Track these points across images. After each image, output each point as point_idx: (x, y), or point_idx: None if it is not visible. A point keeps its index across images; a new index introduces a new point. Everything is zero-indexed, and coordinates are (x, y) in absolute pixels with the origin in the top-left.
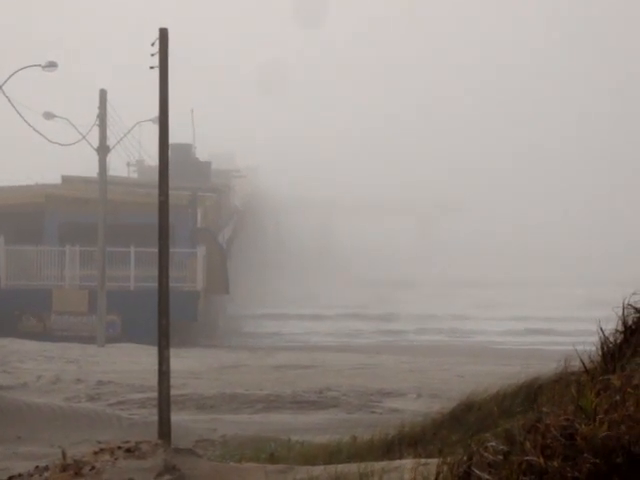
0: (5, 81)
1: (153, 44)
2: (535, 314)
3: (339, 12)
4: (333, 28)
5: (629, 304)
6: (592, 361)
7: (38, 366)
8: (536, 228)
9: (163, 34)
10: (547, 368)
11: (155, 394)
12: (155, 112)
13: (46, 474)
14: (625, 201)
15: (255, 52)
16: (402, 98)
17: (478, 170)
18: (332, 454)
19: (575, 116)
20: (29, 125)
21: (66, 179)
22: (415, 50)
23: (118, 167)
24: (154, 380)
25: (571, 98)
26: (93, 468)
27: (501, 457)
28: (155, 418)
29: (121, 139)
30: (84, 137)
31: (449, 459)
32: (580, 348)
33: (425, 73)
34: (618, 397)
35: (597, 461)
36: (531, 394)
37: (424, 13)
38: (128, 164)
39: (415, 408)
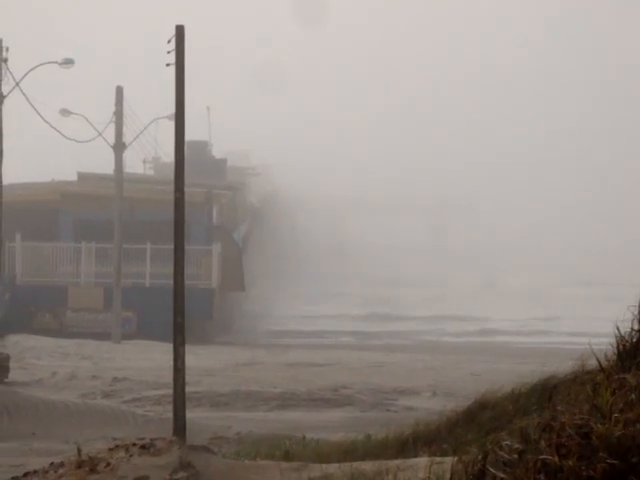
0: (22, 78)
1: (169, 41)
2: (553, 313)
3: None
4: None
5: None
6: (608, 360)
7: (53, 362)
8: (542, 226)
9: (179, 31)
10: (563, 366)
11: (170, 391)
12: (171, 109)
13: (61, 470)
14: (629, 199)
15: (264, 49)
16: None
17: (487, 166)
18: (347, 452)
19: (577, 113)
20: (45, 122)
21: (82, 176)
22: (416, 47)
23: (134, 164)
24: (169, 377)
25: (573, 97)
26: (108, 465)
27: (516, 456)
28: (170, 415)
29: (137, 136)
30: (100, 134)
31: (464, 458)
32: (597, 347)
33: (427, 70)
34: (634, 396)
35: (612, 460)
36: (546, 393)
37: (425, 11)
38: (144, 161)
39: (430, 406)
